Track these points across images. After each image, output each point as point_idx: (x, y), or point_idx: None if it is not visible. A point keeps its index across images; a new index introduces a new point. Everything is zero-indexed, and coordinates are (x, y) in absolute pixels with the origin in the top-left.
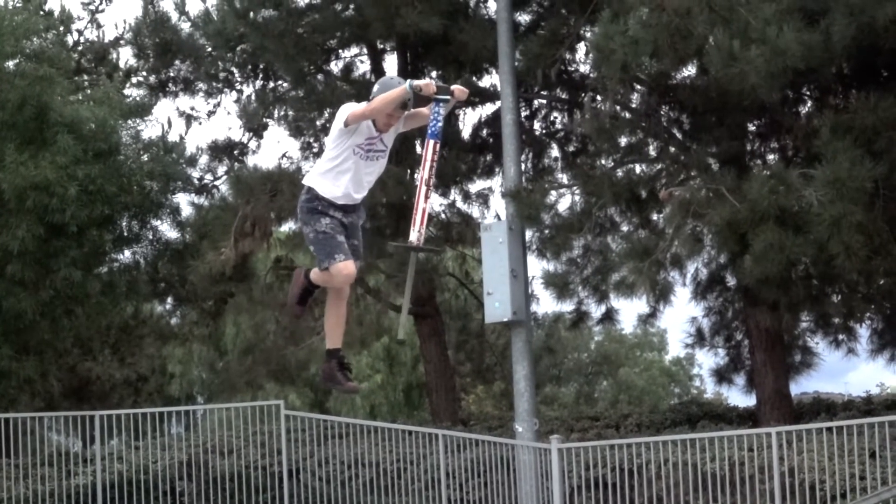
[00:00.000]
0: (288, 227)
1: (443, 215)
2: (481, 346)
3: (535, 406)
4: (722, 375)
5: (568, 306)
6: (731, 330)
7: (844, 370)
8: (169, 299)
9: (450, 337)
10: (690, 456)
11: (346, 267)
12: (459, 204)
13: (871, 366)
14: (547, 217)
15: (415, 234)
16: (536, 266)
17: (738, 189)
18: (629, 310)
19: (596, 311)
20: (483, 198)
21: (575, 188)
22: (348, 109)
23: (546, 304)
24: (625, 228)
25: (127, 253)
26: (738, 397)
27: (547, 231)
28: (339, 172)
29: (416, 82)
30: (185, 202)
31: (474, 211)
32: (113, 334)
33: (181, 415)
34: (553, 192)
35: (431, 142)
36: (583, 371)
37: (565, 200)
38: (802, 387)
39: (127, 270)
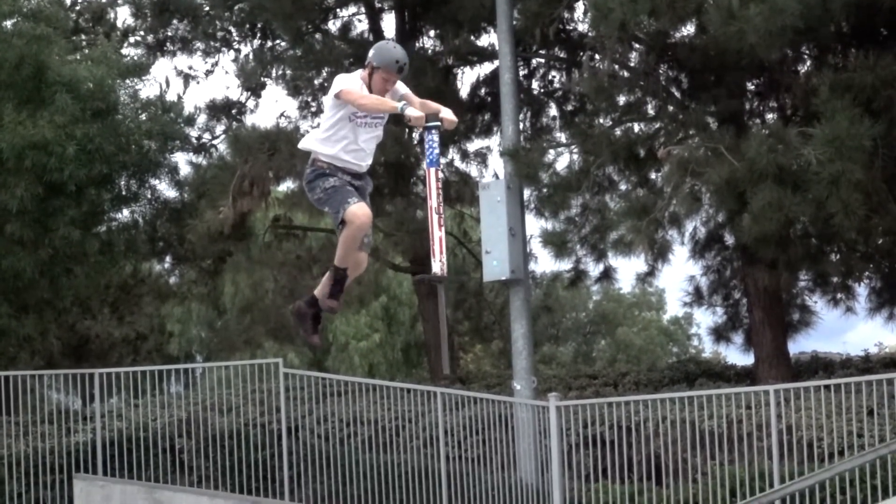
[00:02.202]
0: (286, 185)
1: (441, 174)
2: (479, 305)
3: (533, 364)
4: (720, 334)
5: (566, 265)
6: (729, 288)
7: (842, 330)
8: (167, 258)
9: (448, 296)
10: (688, 413)
11: (359, 208)
12: (458, 163)
13: (869, 325)
14: (545, 176)
15: (437, 265)
16: (534, 225)
17: (737, 148)
18: (627, 269)
19: (594, 269)
20: (481, 157)
21: (573, 147)
22: (342, 85)
23: (544, 263)
24: (623, 187)
25: (125, 212)
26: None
27: (545, 190)
28: (336, 140)
29: (408, 112)
30: (183, 161)
31: (472, 170)
32: (112, 293)
33: (180, 373)
34: (551, 151)
35: (432, 170)
36: (581, 330)
37: (563, 159)
38: (801, 346)
39: (125, 229)
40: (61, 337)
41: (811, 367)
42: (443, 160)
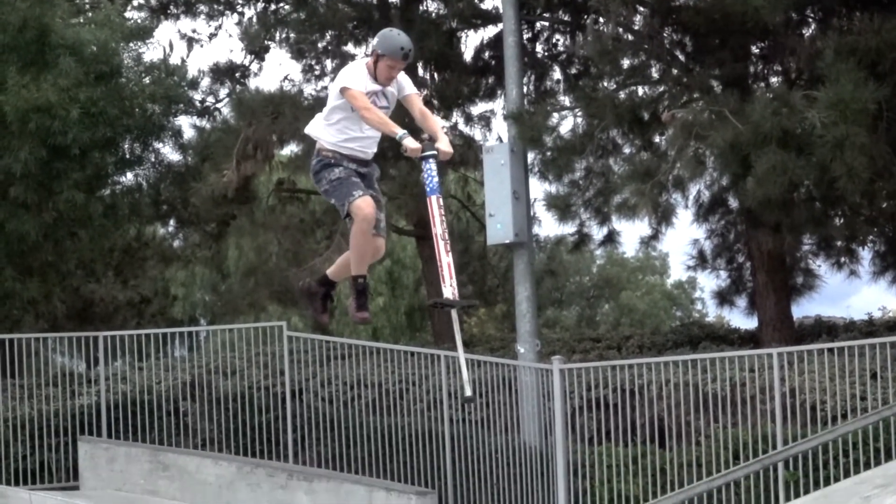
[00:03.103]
0: (290, 149)
1: (440, 201)
2: (483, 269)
3: (536, 327)
4: (724, 297)
5: (570, 228)
6: (732, 252)
7: (846, 294)
8: (171, 222)
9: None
10: (692, 377)
11: (364, 202)
12: (462, 126)
13: (872, 289)
14: (549, 139)
15: (448, 290)
16: (538, 188)
17: (741, 111)
18: (631, 232)
19: (598, 233)
20: (485, 120)
21: (577, 110)
22: (347, 83)
23: (548, 227)
24: (627, 150)
25: (129, 175)
26: (740, 320)
27: (549, 153)
28: (340, 130)
29: (405, 143)
30: (187, 125)
31: (476, 133)
32: (116, 256)
33: (184, 336)
34: (555, 115)
35: (433, 198)
36: (584, 294)
37: (567, 122)
38: (804, 310)
39: (129, 193)
40: (65, 300)
41: (814, 331)
42: (446, 124)
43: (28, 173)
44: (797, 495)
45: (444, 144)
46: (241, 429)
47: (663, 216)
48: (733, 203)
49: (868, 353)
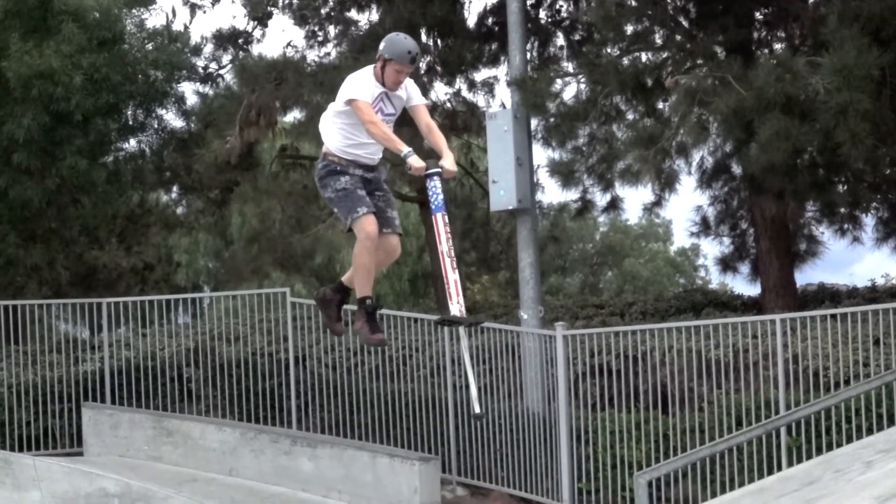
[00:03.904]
0: (293, 115)
1: (448, 104)
2: (486, 235)
3: (540, 294)
4: (727, 264)
5: (573, 195)
6: (736, 219)
7: (849, 261)
8: (174, 188)
9: (455, 226)
10: (695, 343)
11: (368, 222)
12: (465, 93)
13: (875, 256)
14: (552, 105)
15: (455, 307)
16: (541, 155)
17: (745, 77)
18: (634, 199)
19: (601, 199)
20: (488, 86)
21: (580, 76)
22: (354, 94)
23: (551, 194)
24: (630, 117)
25: (132, 142)
26: (743, 286)
27: (552, 119)
28: (347, 135)
29: (410, 161)
30: (190, 91)
31: (479, 100)
32: (119, 223)
33: (188, 303)
34: (558, 81)
35: (438, 216)
36: (587, 262)
37: (571, 89)
38: (808, 277)
39: (132, 159)
40: (69, 267)
41: (818, 297)
42: (450, 90)
43: (31, 140)
44: (800, 461)
45: (449, 162)
46: (244, 395)
47: (666, 182)
48: (736, 169)
49: (871, 319)
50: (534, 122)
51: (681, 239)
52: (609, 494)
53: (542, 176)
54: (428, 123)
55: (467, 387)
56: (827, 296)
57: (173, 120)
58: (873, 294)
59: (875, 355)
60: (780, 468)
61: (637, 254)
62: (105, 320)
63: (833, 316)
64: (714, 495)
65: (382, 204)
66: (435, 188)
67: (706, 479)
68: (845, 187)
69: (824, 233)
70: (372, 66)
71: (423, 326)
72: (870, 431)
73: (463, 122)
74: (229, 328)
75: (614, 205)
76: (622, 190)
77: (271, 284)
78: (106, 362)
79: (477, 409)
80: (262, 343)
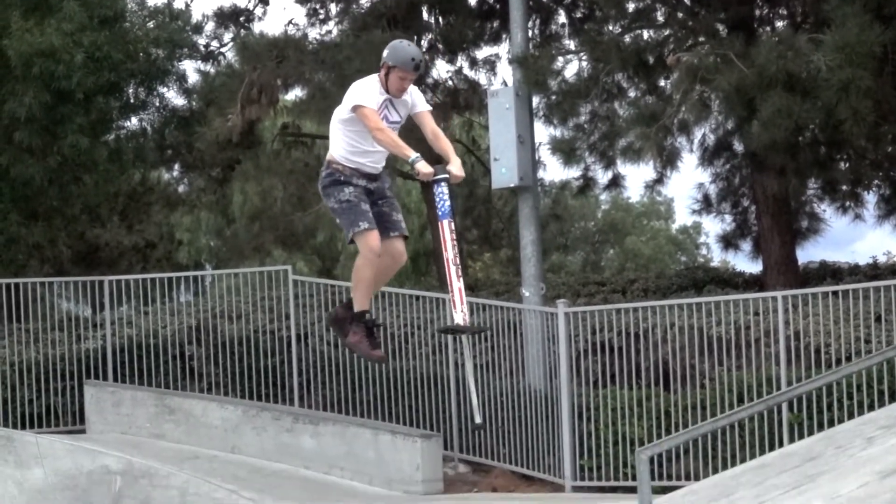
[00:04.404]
0: (294, 93)
1: (450, 82)
2: (488, 213)
3: (541, 271)
4: (728, 241)
5: (574, 172)
6: (737, 196)
7: (851, 239)
8: (176, 166)
9: (457, 204)
10: (696, 320)
11: (371, 237)
12: (466, 70)
13: (877, 234)
14: (554, 83)
15: (459, 316)
16: (543, 132)
17: (747, 54)
18: (636, 177)
19: (602, 177)
20: (490, 64)
21: (582, 54)
22: (360, 101)
23: (553, 171)
24: (632, 94)
25: (134, 120)
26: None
27: (554, 97)
28: (349, 143)
29: (418, 166)
30: (191, 69)
31: (481, 77)
32: (121, 201)
33: (190, 281)
34: (560, 58)
35: (445, 222)
36: (589, 240)
37: (572, 66)
38: (809, 255)
39: (134, 137)
40: (71, 245)
41: (819, 274)
42: (451, 68)
43: (32, 118)
44: (801, 437)
45: (456, 167)
46: (246, 373)
47: (668, 160)
48: (738, 147)
49: (872, 296)
50: (535, 100)
51: (682, 217)
52: (611, 471)
53: (544, 153)
54: (433, 130)
55: (469, 392)
56: (828, 273)
57: (175, 98)
58: (875, 271)
59: (876, 332)
60: (781, 445)
61: (639, 232)
62: (107, 298)
63: (834, 293)
64: (715, 472)
65: (387, 209)
66: (442, 194)
67: (707, 455)
68: (847, 165)
69: (826, 210)
70: (376, 73)
71: (425, 304)
72: (871, 407)
73: (464, 100)
74: (231, 306)
75: (616, 182)
76: (624, 167)
77: (273, 262)
78: (108, 340)
79: (478, 420)
80: (263, 321)
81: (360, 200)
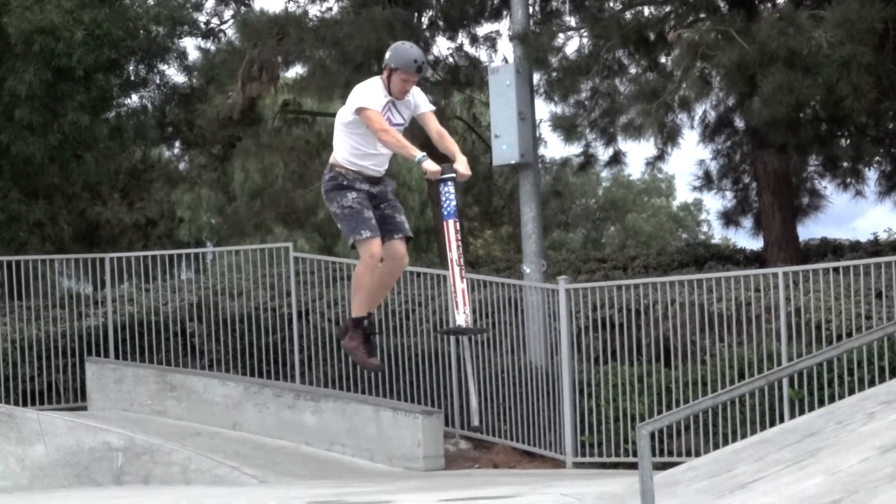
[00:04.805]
0: (295, 70)
1: (450, 59)
2: (489, 190)
3: (542, 248)
4: (729, 218)
5: (575, 149)
6: (738, 172)
7: (852, 216)
8: (177, 144)
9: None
10: (697, 296)
11: (374, 245)
12: (467, 47)
13: (878, 210)
14: (555, 60)
15: (461, 317)
16: (544, 109)
17: (748, 31)
18: (637, 154)
19: (603, 154)
20: (491, 41)
21: (583, 31)
22: (363, 103)
23: (554, 148)
24: (633, 71)
25: (134, 97)
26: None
27: (555, 74)
28: (353, 146)
29: (425, 165)
30: (191, 46)
31: (482, 54)
32: (122, 179)
33: (191, 258)
34: (561, 35)
35: (450, 222)
36: (590, 217)
37: (573, 43)
38: (810, 232)
39: (134, 115)
40: (72, 222)
41: (820, 251)
42: (452, 45)
43: (33, 95)
44: (802, 413)
45: (463, 166)
46: (247, 350)
47: (669, 136)
48: (739, 123)
49: (873, 272)
50: (536, 77)
51: (683, 194)
52: (612, 447)
53: (545, 130)
54: (438, 130)
55: (468, 394)
56: (829, 249)
57: (175, 75)
58: (876, 248)
59: (877, 308)
60: (781, 421)
61: (639, 209)
62: (108, 275)
63: (835, 269)
64: (716, 448)
65: (390, 212)
66: (448, 193)
67: (708, 432)
68: (848, 141)
69: (827, 187)
70: (378, 75)
71: (426, 280)
72: (871, 384)
73: (465, 77)
74: (232, 283)
75: (617, 159)
76: (624, 144)
77: (274, 240)
78: (109, 317)
79: (476, 422)
80: (265, 298)
81: (363, 207)
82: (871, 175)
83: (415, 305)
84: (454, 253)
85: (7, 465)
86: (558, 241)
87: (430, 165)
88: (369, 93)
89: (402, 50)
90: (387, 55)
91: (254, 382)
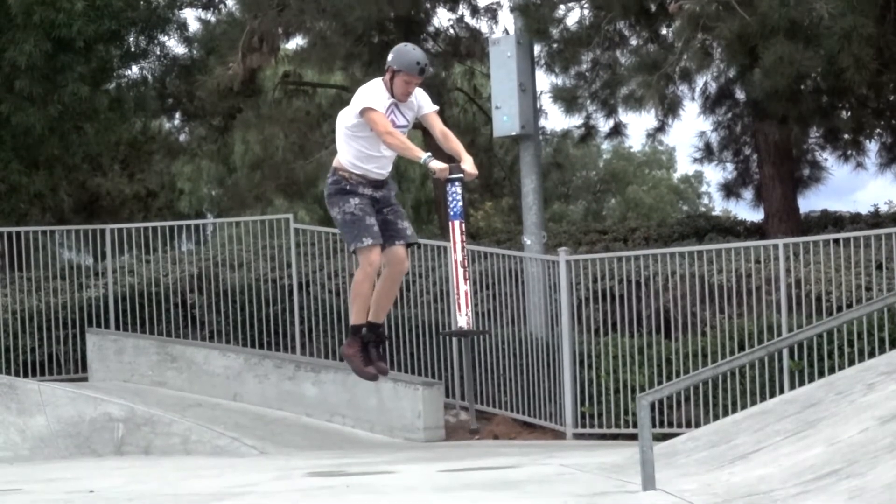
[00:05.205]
0: (295, 42)
1: (451, 30)
2: (490, 161)
3: (543, 219)
4: (730, 189)
5: (576, 121)
6: (739, 144)
7: (852, 188)
8: (177, 115)
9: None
10: (698, 268)
11: (373, 253)
12: (468, 19)
13: (879, 183)
14: (555, 31)
15: (463, 319)
16: (545, 81)
17: (749, 2)
18: (637, 126)
19: (604, 125)
20: (491, 12)
21: (584, 2)
22: (368, 103)
23: (554, 120)
24: (634, 42)
25: (134, 68)
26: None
27: (555, 45)
28: (357, 148)
29: (432, 165)
30: (192, 17)
31: (483, 25)
32: (122, 150)
33: (191, 230)
34: (562, 6)
35: (456, 223)
36: (591, 189)
37: (574, 14)
38: (811, 204)
39: (135, 86)
40: (72, 193)
41: (821, 222)
42: (452, 16)
43: (33, 66)
44: (802, 384)
45: (469, 165)
46: (248, 321)
47: (670, 108)
48: (740, 95)
49: (874, 243)
50: (537, 48)
51: (684, 166)
52: (612, 418)
53: (546, 102)
54: (443, 130)
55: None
56: (830, 221)
57: (175, 46)
58: (876, 220)
59: (877, 279)
60: (782, 392)
61: (640, 181)
62: (108, 247)
63: (836, 241)
64: (716, 419)
65: (392, 217)
66: (455, 194)
67: (708, 403)
68: (849, 113)
69: (827, 159)
70: (381, 77)
71: (427, 252)
72: (871, 355)
73: (466, 49)
74: (232, 255)
75: (617, 131)
76: (625, 116)
77: (274, 211)
78: (110, 289)
79: (474, 426)
80: (265, 269)
81: (365, 213)
82: (872, 147)
83: (415, 277)
84: (458, 255)
85: (8, 435)
86: (559, 213)
87: (437, 164)
88: (373, 95)
89: (404, 52)
90: (389, 57)
91: (254, 354)
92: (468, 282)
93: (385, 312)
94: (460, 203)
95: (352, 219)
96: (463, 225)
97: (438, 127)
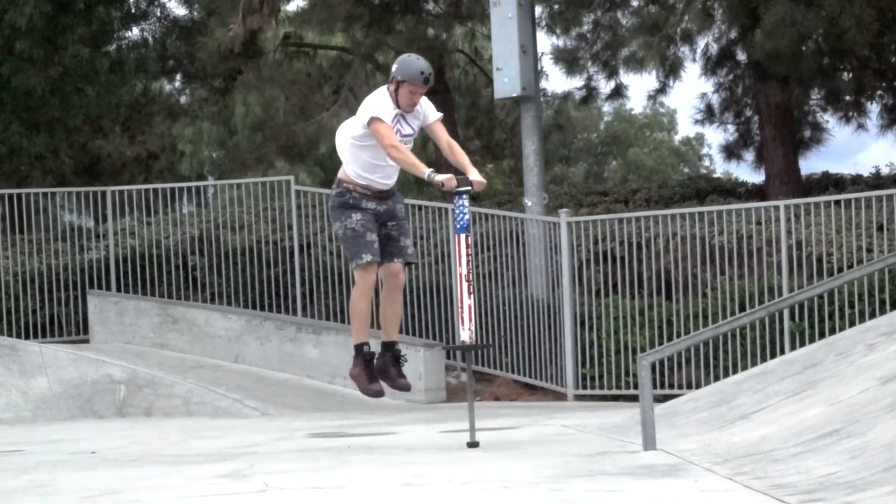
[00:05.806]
0: (296, 3)
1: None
2: (491, 123)
3: (544, 181)
4: (731, 151)
5: (577, 82)
6: (740, 106)
7: (854, 150)
8: (178, 77)
9: (459, 114)
10: (699, 229)
11: (370, 271)
12: None
13: (880, 145)
14: None
15: (466, 333)
16: (546, 42)
17: None
18: (638, 87)
19: (605, 87)
20: None
21: None
22: (374, 114)
23: (555, 82)
24: (635, 3)
25: (135, 30)
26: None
27: (556, 6)
28: (364, 159)
29: (438, 177)
30: None
31: None
32: (123, 112)
33: (192, 192)
34: None
35: (462, 236)
36: (592, 151)
37: None
38: (812, 166)
39: (135, 48)
40: (73, 156)
41: (822, 184)
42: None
43: (33, 28)
44: (803, 345)
45: (476, 175)
46: (249, 283)
47: (671, 69)
48: (741, 56)
49: (875, 205)
50: (538, 9)
51: (685, 128)
52: (612, 380)
53: (547, 63)
54: (448, 141)
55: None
56: (831, 183)
57: (176, 8)
58: (877, 181)
59: (878, 241)
60: (782, 353)
61: (641, 143)
62: (109, 209)
63: (837, 202)
64: (717, 380)
65: (395, 233)
66: (462, 206)
67: (709, 364)
68: (850, 74)
69: (829, 120)
70: (385, 87)
71: (428, 214)
72: (872, 316)
73: (467, 10)
74: (234, 217)
75: (619, 92)
76: (626, 77)
77: (275, 173)
78: (111, 250)
79: (475, 438)
80: (266, 231)
81: (367, 230)
82: (873, 108)
83: (416, 239)
84: (464, 269)
85: (10, 397)
86: (560, 175)
87: (443, 176)
88: (380, 105)
89: (408, 62)
90: (393, 68)
91: (255, 315)
92: (472, 296)
93: (396, 328)
94: (467, 216)
95: (353, 234)
96: (469, 238)
97: (444, 138)
